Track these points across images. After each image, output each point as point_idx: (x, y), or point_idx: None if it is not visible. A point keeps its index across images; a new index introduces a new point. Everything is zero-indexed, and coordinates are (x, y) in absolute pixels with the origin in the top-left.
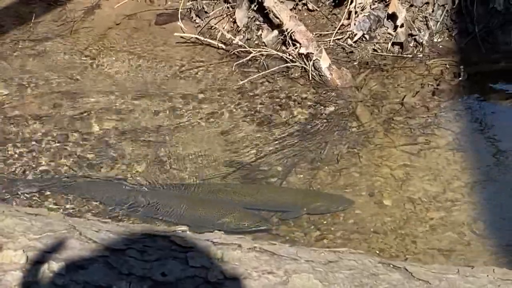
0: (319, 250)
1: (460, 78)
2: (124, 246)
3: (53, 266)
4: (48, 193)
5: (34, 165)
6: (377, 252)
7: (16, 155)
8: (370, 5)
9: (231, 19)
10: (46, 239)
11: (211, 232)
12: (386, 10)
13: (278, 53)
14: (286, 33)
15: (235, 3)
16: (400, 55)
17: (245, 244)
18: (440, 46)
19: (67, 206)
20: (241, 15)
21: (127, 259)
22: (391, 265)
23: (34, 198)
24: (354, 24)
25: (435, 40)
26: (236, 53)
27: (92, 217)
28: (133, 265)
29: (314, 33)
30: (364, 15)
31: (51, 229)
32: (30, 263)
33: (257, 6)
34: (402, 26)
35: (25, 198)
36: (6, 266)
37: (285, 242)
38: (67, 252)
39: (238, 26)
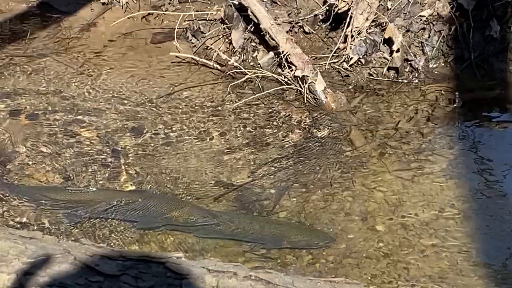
0: (314, 280)
1: (455, 105)
2: (118, 272)
3: None
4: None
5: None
6: (369, 278)
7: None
8: (367, 29)
9: (227, 40)
10: (40, 263)
11: (207, 259)
12: (382, 35)
13: (274, 75)
14: (282, 55)
15: (231, 24)
16: (395, 80)
17: (241, 272)
18: (436, 72)
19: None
20: (237, 36)
21: (121, 285)
22: None
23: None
24: (350, 48)
25: (431, 65)
26: (231, 74)
27: (86, 241)
28: None
29: (310, 56)
30: (360, 39)
31: (45, 253)
32: None
33: (253, 27)
34: (398, 51)
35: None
36: None
37: (276, 266)
38: (61, 277)
39: (234, 47)
